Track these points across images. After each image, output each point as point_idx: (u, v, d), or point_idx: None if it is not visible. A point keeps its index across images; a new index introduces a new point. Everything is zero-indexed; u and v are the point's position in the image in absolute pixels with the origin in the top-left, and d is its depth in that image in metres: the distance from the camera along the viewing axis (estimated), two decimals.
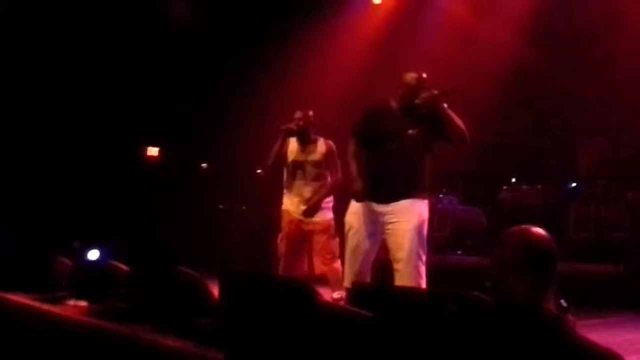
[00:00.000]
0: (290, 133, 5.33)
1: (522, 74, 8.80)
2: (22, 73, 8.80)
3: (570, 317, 2.05)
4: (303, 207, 5.22)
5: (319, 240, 5.19)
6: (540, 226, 2.17)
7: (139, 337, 2.88)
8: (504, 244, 2.12)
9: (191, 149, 10.61)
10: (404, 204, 4.15)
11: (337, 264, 5.16)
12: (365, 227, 4.22)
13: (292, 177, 5.33)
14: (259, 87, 9.76)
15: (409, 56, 9.18)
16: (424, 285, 4.08)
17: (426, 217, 4.21)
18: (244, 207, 11.00)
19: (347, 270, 4.32)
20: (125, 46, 9.33)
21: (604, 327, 4.64)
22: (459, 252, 8.19)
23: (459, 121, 4.20)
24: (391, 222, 4.16)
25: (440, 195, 8.49)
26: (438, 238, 8.15)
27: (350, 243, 4.29)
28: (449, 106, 4.20)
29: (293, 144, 5.39)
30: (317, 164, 5.28)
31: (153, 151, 10.49)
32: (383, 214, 4.20)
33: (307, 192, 5.24)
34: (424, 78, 4.27)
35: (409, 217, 4.13)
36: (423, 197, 4.25)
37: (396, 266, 4.13)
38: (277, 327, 2.37)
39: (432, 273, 4.32)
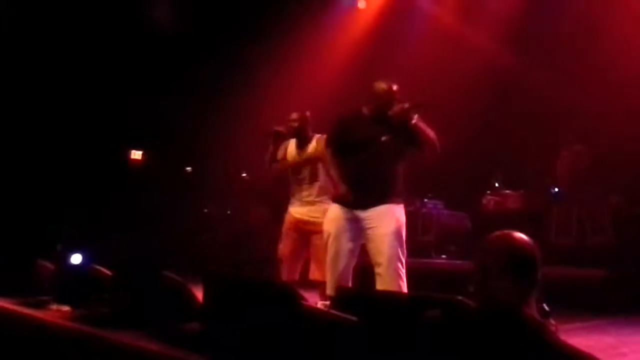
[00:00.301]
0: (279, 135, 5.23)
1: (505, 79, 8.88)
2: (8, 76, 8.74)
3: (553, 322, 2.07)
4: (303, 209, 5.10)
5: (316, 242, 4.98)
6: (522, 231, 2.20)
7: (123, 343, 2.86)
8: (487, 248, 2.15)
9: (175, 152, 10.58)
10: (381, 209, 4.25)
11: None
12: (345, 234, 4.32)
13: (292, 180, 5.22)
14: (243, 90, 9.77)
15: (392, 60, 9.25)
16: (404, 288, 4.18)
17: (403, 221, 4.30)
18: (228, 212, 10.98)
19: (329, 277, 4.38)
20: (109, 50, 9.30)
21: (587, 332, 4.68)
22: (444, 256, 8.23)
23: (429, 132, 4.31)
24: (370, 228, 4.27)
25: (425, 200, 8.53)
26: (423, 242, 8.19)
27: (330, 250, 4.37)
28: (420, 117, 4.30)
29: (292, 146, 5.27)
30: (313, 162, 5.13)
31: (137, 154, 10.44)
32: (361, 220, 4.30)
33: (306, 194, 5.12)
34: (393, 90, 4.36)
35: (386, 222, 4.23)
36: (399, 202, 4.35)
37: (377, 270, 4.23)
38: (262, 332, 2.37)
39: (417, 277, 4.37)
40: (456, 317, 1.85)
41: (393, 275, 4.14)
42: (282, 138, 5.27)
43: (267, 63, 9.41)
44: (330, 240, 4.37)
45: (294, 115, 5.20)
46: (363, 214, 4.28)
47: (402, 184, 4.40)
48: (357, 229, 4.31)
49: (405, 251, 4.25)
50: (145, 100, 9.75)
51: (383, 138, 4.31)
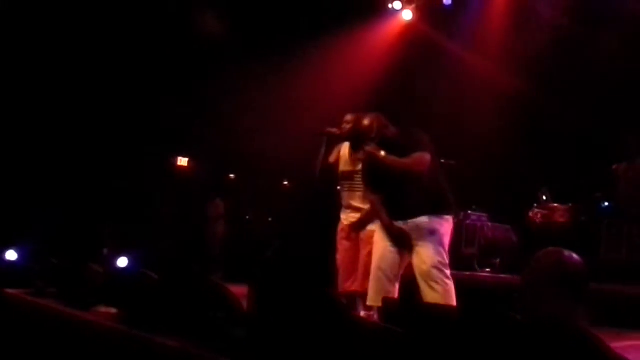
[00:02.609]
0: (331, 137, 4.93)
1: (558, 90, 8.73)
2: (60, 85, 8.99)
3: None
4: (353, 216, 4.89)
5: (363, 252, 4.79)
6: (570, 246, 2.17)
7: (169, 346, 2.91)
8: (536, 264, 2.12)
9: (220, 159, 10.72)
10: (417, 221, 4.22)
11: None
12: (389, 243, 4.29)
13: (343, 186, 4.99)
14: (285, 98, 9.85)
15: (439, 69, 9.21)
16: (452, 301, 4.08)
17: (443, 232, 4.23)
18: (270, 219, 11.07)
19: (371, 286, 4.33)
20: (159, 59, 9.49)
21: (637, 350, 4.54)
22: (488, 269, 8.10)
23: (401, 165, 4.24)
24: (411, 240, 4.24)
25: (469, 212, 8.42)
26: (466, 255, 8.07)
27: (374, 259, 4.35)
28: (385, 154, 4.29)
29: (345, 150, 4.98)
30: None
31: (183, 161, 10.62)
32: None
33: (358, 202, 4.86)
34: (359, 128, 4.41)
35: (421, 233, 4.20)
36: (438, 213, 4.27)
37: (420, 283, 4.17)
38: (307, 341, 2.37)
39: (460, 290, 4.30)
40: (504, 331, 1.83)
41: (431, 285, 4.09)
42: (335, 141, 4.98)
43: (310, 70, 9.47)
44: (375, 249, 4.37)
45: (349, 117, 4.84)
46: (404, 225, 4.28)
47: (440, 194, 4.34)
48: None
49: (445, 262, 4.18)
50: (193, 108, 9.91)
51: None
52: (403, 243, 4.27)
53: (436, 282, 4.09)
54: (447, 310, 2.65)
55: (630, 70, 7.85)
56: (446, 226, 4.28)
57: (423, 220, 4.22)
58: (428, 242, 4.17)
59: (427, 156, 4.21)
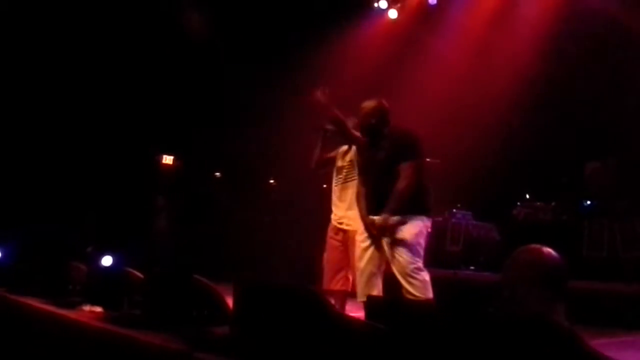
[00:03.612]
0: (327, 134, 4.95)
1: (538, 89, 8.81)
2: (43, 77, 8.94)
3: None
4: (343, 213, 4.93)
5: (351, 251, 4.78)
6: (552, 244, 2.20)
7: (154, 344, 2.91)
8: (516, 261, 2.15)
9: (205, 157, 10.70)
10: (397, 219, 4.29)
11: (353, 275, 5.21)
12: (371, 241, 4.39)
13: (335, 182, 5.04)
14: (273, 97, 9.85)
15: (422, 70, 9.25)
16: (429, 293, 4.21)
17: (416, 231, 4.31)
18: (266, 218, 11.04)
19: (358, 284, 4.44)
20: (142, 57, 9.45)
21: (617, 347, 4.61)
22: (472, 267, 8.16)
23: (401, 198, 4.31)
24: (388, 237, 4.33)
25: (454, 210, 8.48)
26: (451, 253, 8.13)
27: (358, 257, 4.45)
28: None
29: (344, 148, 5.05)
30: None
31: (168, 159, 10.58)
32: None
33: (347, 196, 4.89)
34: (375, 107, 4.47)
35: (400, 231, 4.28)
36: (415, 213, 4.35)
37: (398, 278, 4.27)
38: (290, 337, 2.39)
39: (444, 287, 4.37)
40: (485, 327, 1.86)
41: (408, 279, 4.19)
42: (332, 137, 4.98)
43: (297, 70, 9.48)
44: (356, 245, 4.50)
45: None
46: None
47: (420, 195, 4.40)
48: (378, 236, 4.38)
49: (418, 260, 4.27)
50: (177, 106, 9.89)
51: (379, 156, 4.41)
52: (376, 236, 4.36)
53: (412, 277, 4.19)
54: (429, 307, 2.69)
55: (601, 75, 7.97)
56: (421, 225, 4.36)
57: (399, 219, 4.30)
58: (404, 240, 4.26)
59: (412, 168, 4.31)
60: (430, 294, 4.21)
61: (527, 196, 8.18)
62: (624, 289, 6.07)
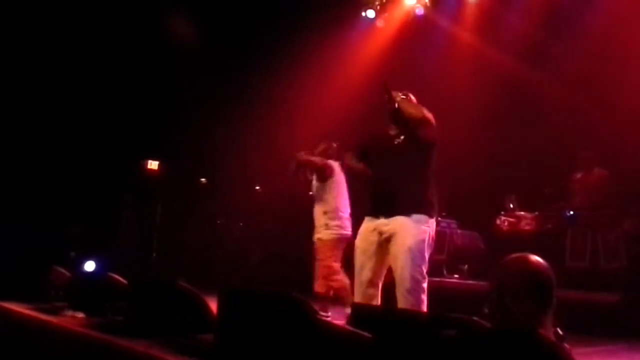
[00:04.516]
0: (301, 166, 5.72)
1: (522, 100, 8.89)
2: (24, 83, 8.87)
3: (567, 346, 2.07)
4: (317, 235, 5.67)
5: (316, 258, 5.47)
6: (535, 254, 2.20)
7: (137, 351, 2.89)
8: (503, 270, 2.16)
9: (191, 163, 10.66)
10: (401, 220, 4.00)
11: (336, 282, 5.38)
12: (369, 247, 4.12)
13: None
14: (257, 104, 9.86)
15: (409, 78, 9.28)
16: (420, 307, 3.96)
17: (424, 237, 3.98)
18: (241, 224, 11.03)
19: (355, 292, 4.20)
20: (128, 62, 9.42)
21: (599, 356, 4.65)
22: (456, 275, 8.19)
23: (413, 109, 4.16)
24: (389, 240, 4.03)
25: (439, 218, 8.50)
26: (435, 261, 8.14)
27: (356, 264, 4.20)
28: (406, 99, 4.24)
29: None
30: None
31: (153, 164, 10.52)
32: (384, 232, 4.06)
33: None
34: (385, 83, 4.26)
35: (402, 236, 3.96)
36: (424, 212, 4.02)
37: (396, 288, 4.01)
38: (275, 344, 2.39)
39: (428, 296, 4.30)
40: (472, 338, 1.86)
41: (405, 294, 3.92)
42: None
43: (283, 78, 9.49)
44: (356, 254, 4.21)
45: (321, 146, 5.91)
46: (385, 226, 4.06)
47: (432, 192, 4.12)
48: (381, 242, 4.08)
49: (423, 269, 3.97)
50: (163, 112, 9.85)
51: (397, 140, 4.15)
52: (373, 213, 4.13)
53: (409, 293, 3.92)
54: (415, 316, 2.69)
55: (589, 86, 8.06)
56: (426, 233, 4.02)
57: (406, 221, 3.99)
58: (408, 249, 3.94)
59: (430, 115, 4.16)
60: (421, 309, 3.94)
61: (511, 206, 8.23)
62: (605, 298, 6.12)
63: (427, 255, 4.03)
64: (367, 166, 4.30)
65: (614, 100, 7.77)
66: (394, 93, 4.16)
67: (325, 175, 5.70)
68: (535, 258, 2.15)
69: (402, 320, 2.34)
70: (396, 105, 4.11)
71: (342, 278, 5.47)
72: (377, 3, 10.38)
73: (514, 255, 2.19)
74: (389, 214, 4.06)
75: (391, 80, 4.26)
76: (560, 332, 2.13)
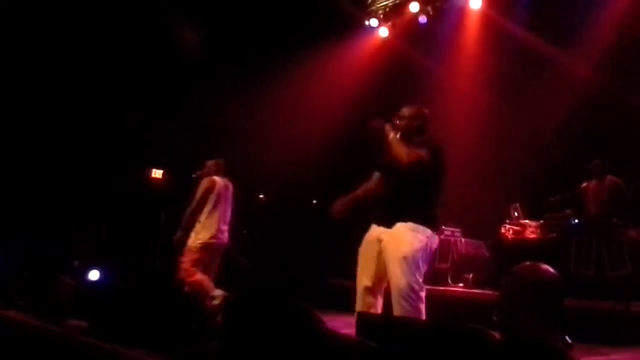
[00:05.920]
0: None
1: (529, 107, 8.88)
2: (30, 92, 8.90)
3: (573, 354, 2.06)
4: None
5: None
6: (540, 262, 2.19)
7: None
8: (514, 279, 2.15)
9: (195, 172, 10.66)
10: (398, 228, 4.05)
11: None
12: (370, 254, 4.15)
13: None
14: (261, 113, 9.88)
15: (412, 87, 9.31)
16: (422, 316, 3.92)
17: (419, 246, 3.99)
18: (244, 231, 11.02)
19: (357, 298, 4.18)
20: (133, 70, 9.45)
21: None
22: (460, 284, 8.16)
23: (396, 151, 4.18)
24: (385, 248, 4.06)
25: (443, 227, 8.49)
26: (439, 270, 8.13)
27: (358, 271, 4.21)
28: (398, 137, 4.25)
29: None
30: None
31: (157, 173, 10.52)
32: (382, 239, 4.11)
33: None
34: (420, 114, 4.37)
35: (397, 244, 3.99)
36: (421, 223, 4.07)
37: (392, 297, 3.99)
38: (280, 354, 2.37)
39: (433, 305, 4.27)
40: (481, 347, 1.85)
41: (399, 300, 3.91)
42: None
43: (284, 87, 9.52)
44: (358, 259, 4.23)
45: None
46: (385, 233, 4.11)
47: (434, 211, 4.17)
48: (381, 250, 4.09)
49: (418, 278, 3.94)
50: (167, 120, 9.87)
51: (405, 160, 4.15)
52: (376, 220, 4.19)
53: (406, 301, 3.90)
54: (420, 325, 2.67)
55: (599, 94, 8.06)
56: (425, 241, 4.03)
57: (404, 229, 4.03)
58: (403, 255, 3.95)
59: (418, 154, 4.12)
60: (422, 316, 3.91)
61: (516, 214, 8.21)
62: (611, 306, 6.09)
63: (422, 266, 4.01)
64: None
65: (624, 106, 7.77)
66: (387, 133, 4.21)
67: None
68: (546, 267, 2.14)
69: (406, 329, 2.33)
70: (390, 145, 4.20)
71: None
72: (380, 12, 10.41)
73: (524, 264, 2.18)
74: (391, 225, 4.14)
75: (380, 119, 4.28)
76: (569, 341, 2.11)
